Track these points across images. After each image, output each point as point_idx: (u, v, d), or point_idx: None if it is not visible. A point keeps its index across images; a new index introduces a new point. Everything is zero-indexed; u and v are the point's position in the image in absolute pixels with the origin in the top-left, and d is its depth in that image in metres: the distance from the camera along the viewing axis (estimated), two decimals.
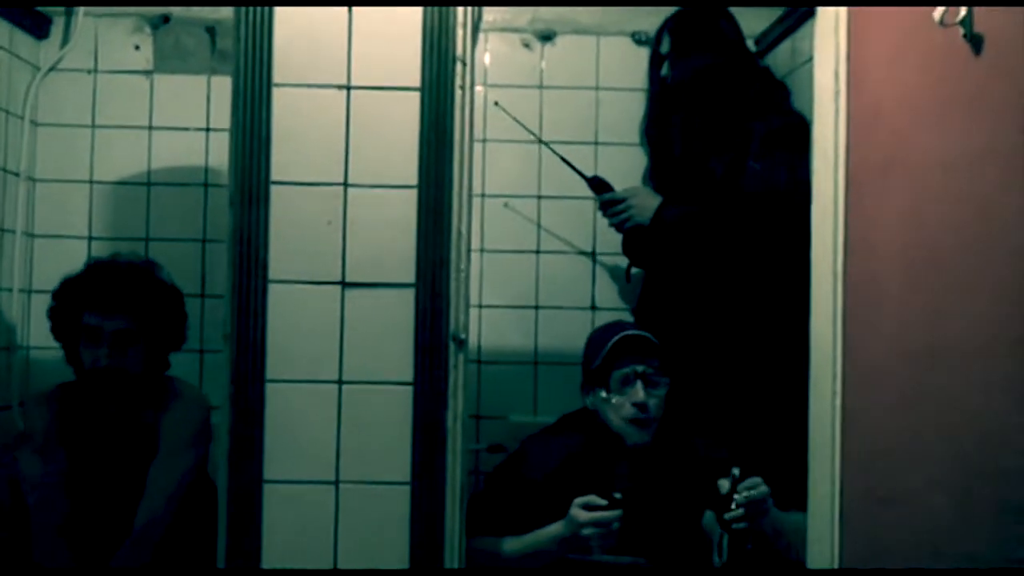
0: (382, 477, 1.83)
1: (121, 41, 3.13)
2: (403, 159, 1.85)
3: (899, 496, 1.69)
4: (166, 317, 2.43)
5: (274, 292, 1.83)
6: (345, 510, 1.83)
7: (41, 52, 3.09)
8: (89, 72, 3.12)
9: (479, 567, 2.17)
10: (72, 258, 2.96)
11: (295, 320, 1.83)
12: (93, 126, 3.11)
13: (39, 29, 3.07)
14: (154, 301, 2.40)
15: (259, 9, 1.84)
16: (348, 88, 1.85)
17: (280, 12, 1.84)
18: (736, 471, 2.23)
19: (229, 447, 1.81)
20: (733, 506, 2.20)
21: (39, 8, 3.04)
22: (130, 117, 3.12)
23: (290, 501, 1.82)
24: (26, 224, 3.03)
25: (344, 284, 1.85)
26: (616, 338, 2.35)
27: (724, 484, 2.23)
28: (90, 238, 3.10)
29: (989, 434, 1.45)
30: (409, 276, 1.84)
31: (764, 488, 2.22)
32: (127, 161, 3.12)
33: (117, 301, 2.34)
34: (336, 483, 1.83)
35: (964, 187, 1.52)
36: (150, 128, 3.12)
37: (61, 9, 3.08)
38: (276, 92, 1.84)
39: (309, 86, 1.85)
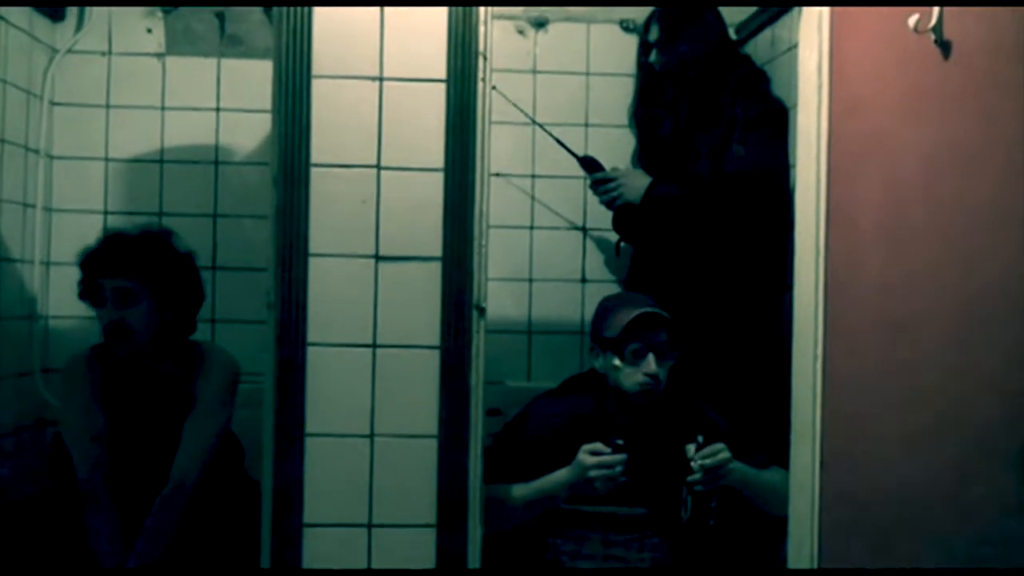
0: (412, 431, 2.00)
1: (134, 25, 3.22)
2: (431, 144, 2.00)
3: (874, 451, 1.84)
4: (175, 277, 2.55)
5: (314, 265, 1.99)
6: (379, 460, 2.00)
7: (57, 34, 3.17)
8: (103, 54, 3.21)
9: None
10: (89, 231, 3.08)
11: (333, 290, 1.99)
12: (108, 106, 3.21)
13: (55, 12, 3.14)
14: (161, 263, 2.52)
15: (299, 8, 1.97)
16: (381, 80, 2.00)
17: (318, 11, 1.97)
18: (700, 438, 2.40)
19: (275, 403, 1.97)
20: (694, 467, 2.38)
21: None
22: (143, 97, 3.22)
23: (330, 452, 1.99)
24: (45, 199, 3.15)
25: (378, 258, 2.01)
26: (635, 315, 2.45)
27: (690, 449, 2.40)
28: (105, 212, 3.21)
29: (959, 392, 1.61)
30: (436, 250, 2.01)
31: (723, 456, 2.38)
32: (140, 139, 3.22)
33: (118, 263, 2.47)
34: (371, 436, 2.00)
35: (935, 174, 1.68)
36: (162, 108, 3.23)
37: None
38: (315, 83, 1.98)
39: (345, 78, 1.99)
